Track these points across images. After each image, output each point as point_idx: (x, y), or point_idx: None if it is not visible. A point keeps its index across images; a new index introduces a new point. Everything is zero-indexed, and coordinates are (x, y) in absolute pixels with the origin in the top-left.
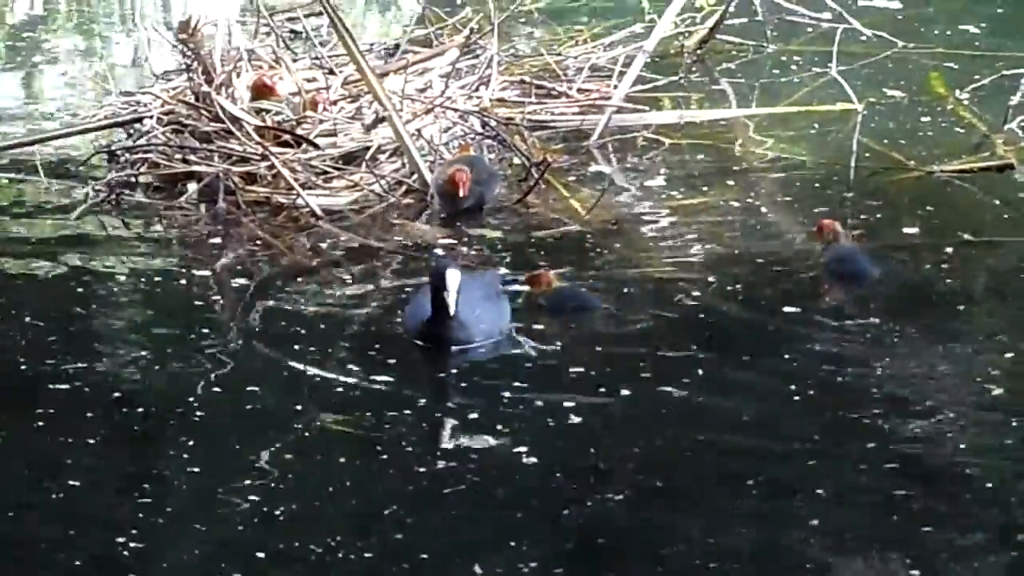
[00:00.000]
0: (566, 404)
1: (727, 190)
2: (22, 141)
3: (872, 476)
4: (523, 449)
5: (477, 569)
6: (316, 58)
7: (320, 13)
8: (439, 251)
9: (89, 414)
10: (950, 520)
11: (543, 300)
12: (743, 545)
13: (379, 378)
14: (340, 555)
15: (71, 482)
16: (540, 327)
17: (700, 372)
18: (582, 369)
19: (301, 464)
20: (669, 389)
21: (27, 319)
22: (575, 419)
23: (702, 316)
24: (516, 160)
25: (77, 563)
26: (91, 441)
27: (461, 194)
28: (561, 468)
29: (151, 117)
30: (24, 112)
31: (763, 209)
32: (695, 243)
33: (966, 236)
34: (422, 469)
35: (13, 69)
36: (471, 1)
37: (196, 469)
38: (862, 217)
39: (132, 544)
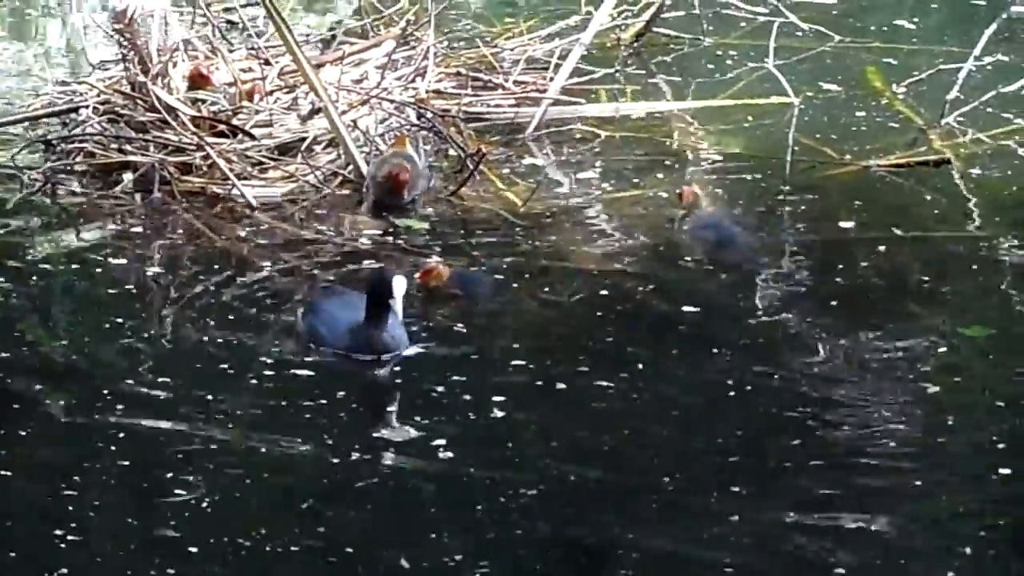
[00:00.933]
0: (493, 399)
1: (661, 183)
2: None
3: (796, 473)
4: (441, 442)
5: (404, 563)
6: (252, 48)
7: (256, 3)
8: (366, 239)
9: (15, 405)
10: (879, 516)
11: (457, 290)
12: (660, 541)
13: (300, 372)
14: (268, 548)
15: (2, 472)
16: (455, 324)
17: (633, 366)
18: (520, 361)
19: (223, 456)
20: (603, 383)
21: None
22: (499, 413)
23: (635, 309)
24: (452, 152)
25: (12, 554)
26: (21, 433)
27: (405, 197)
28: (476, 461)
29: (87, 107)
30: None
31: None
32: (628, 236)
33: (898, 232)
34: (335, 460)
35: None
36: None
37: (125, 462)
38: (796, 210)
39: (69, 537)
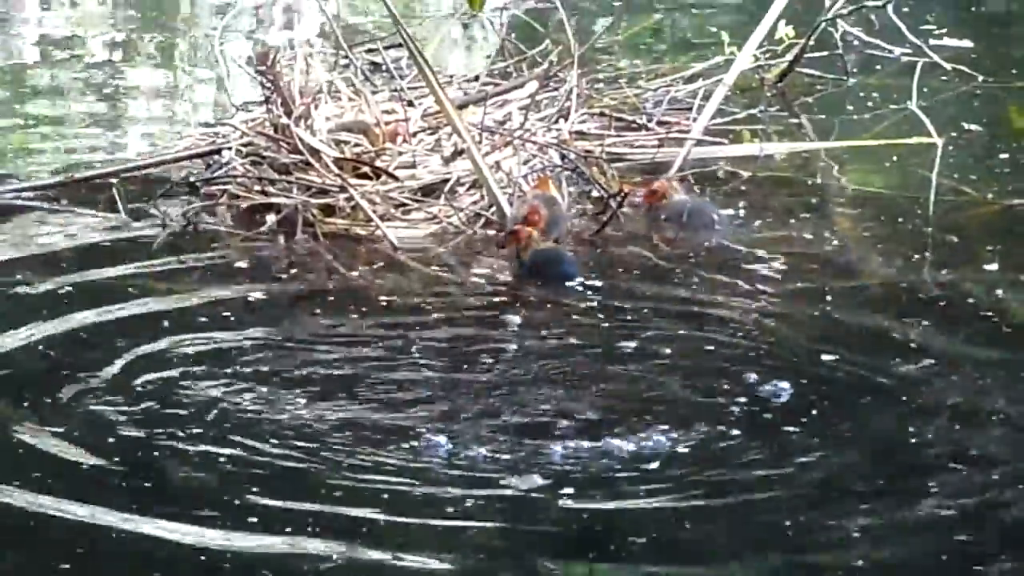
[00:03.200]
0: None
1: (805, 223)
2: (100, 172)
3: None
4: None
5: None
6: (395, 90)
7: (400, 45)
8: None
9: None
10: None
11: (523, 259)
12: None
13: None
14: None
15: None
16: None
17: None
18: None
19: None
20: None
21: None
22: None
23: (783, 350)
24: (595, 192)
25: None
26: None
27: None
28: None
29: (230, 148)
30: (105, 143)
31: (841, 243)
32: (774, 276)
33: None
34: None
35: (93, 99)
36: (551, 33)
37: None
38: (939, 254)
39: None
